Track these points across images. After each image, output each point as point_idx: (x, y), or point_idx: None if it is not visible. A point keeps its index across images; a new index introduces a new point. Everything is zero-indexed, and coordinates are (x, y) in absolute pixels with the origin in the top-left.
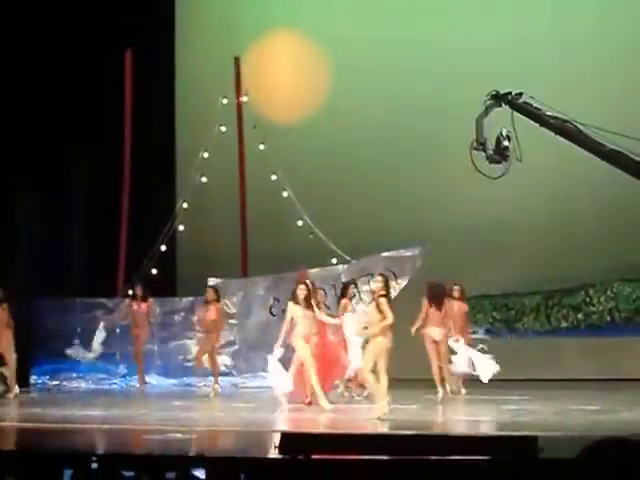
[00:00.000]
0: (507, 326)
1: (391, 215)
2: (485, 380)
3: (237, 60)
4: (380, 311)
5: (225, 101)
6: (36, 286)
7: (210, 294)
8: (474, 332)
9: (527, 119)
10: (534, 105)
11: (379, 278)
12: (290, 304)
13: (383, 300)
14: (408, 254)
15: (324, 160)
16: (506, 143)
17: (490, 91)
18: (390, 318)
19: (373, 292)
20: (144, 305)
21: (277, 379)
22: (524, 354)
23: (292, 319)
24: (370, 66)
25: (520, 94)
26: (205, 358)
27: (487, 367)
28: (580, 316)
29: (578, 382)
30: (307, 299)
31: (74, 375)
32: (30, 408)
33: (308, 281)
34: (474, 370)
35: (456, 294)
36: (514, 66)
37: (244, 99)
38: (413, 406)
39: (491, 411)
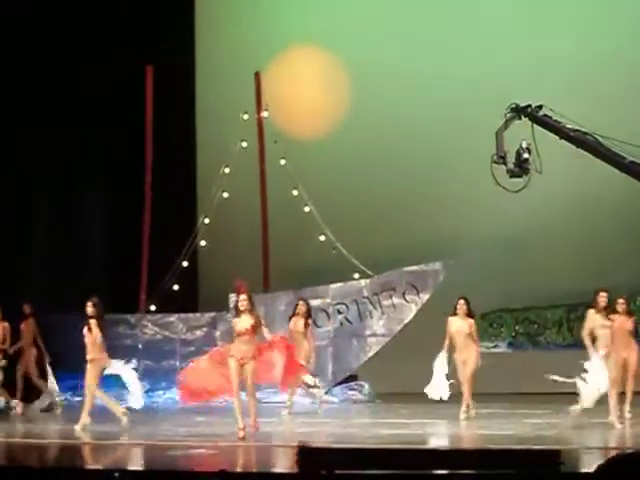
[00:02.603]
0: (529, 339)
1: (413, 230)
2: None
3: (257, 75)
4: (90, 330)
5: (246, 116)
6: (59, 302)
7: (26, 309)
8: (495, 346)
9: (547, 132)
10: (554, 118)
11: (89, 303)
12: (591, 312)
13: (93, 321)
14: (430, 269)
15: (345, 175)
16: (526, 155)
17: (510, 104)
18: (99, 339)
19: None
20: (26, 323)
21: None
22: (547, 367)
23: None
24: (390, 81)
25: (540, 107)
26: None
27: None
28: None
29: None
30: (607, 309)
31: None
32: (53, 424)
33: (245, 295)
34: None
35: (620, 309)
36: (534, 79)
37: (265, 114)
38: (436, 420)
39: (514, 425)
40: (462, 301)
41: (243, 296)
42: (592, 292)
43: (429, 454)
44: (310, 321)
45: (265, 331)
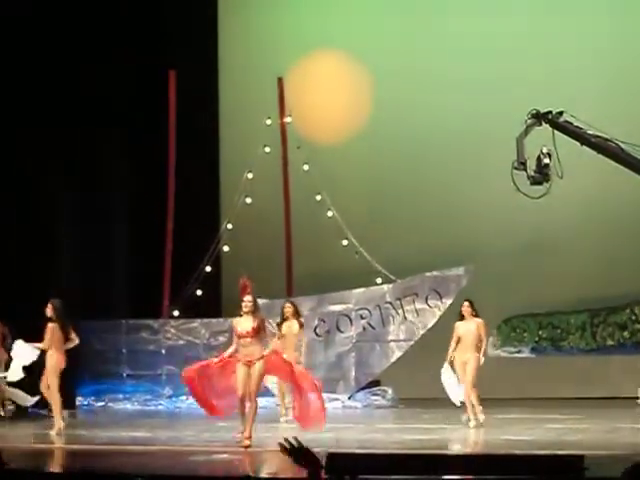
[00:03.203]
0: (553, 344)
1: (436, 235)
2: None
3: (280, 81)
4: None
5: (269, 122)
6: (82, 308)
7: None
8: (518, 351)
9: (568, 138)
10: (575, 124)
11: (49, 305)
12: None
13: (50, 325)
14: (453, 274)
15: (368, 180)
16: (547, 161)
17: (530, 110)
18: (46, 343)
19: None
20: None
21: None
22: (570, 372)
23: None
24: (412, 87)
25: (561, 113)
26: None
27: None
28: (626, 334)
29: (624, 400)
30: None
31: (120, 396)
32: (76, 430)
33: (250, 297)
34: None
35: None
36: (556, 85)
37: (288, 120)
38: (459, 426)
39: (537, 430)
40: (466, 303)
41: (248, 297)
42: (615, 298)
43: (452, 459)
44: (302, 320)
45: (271, 341)
